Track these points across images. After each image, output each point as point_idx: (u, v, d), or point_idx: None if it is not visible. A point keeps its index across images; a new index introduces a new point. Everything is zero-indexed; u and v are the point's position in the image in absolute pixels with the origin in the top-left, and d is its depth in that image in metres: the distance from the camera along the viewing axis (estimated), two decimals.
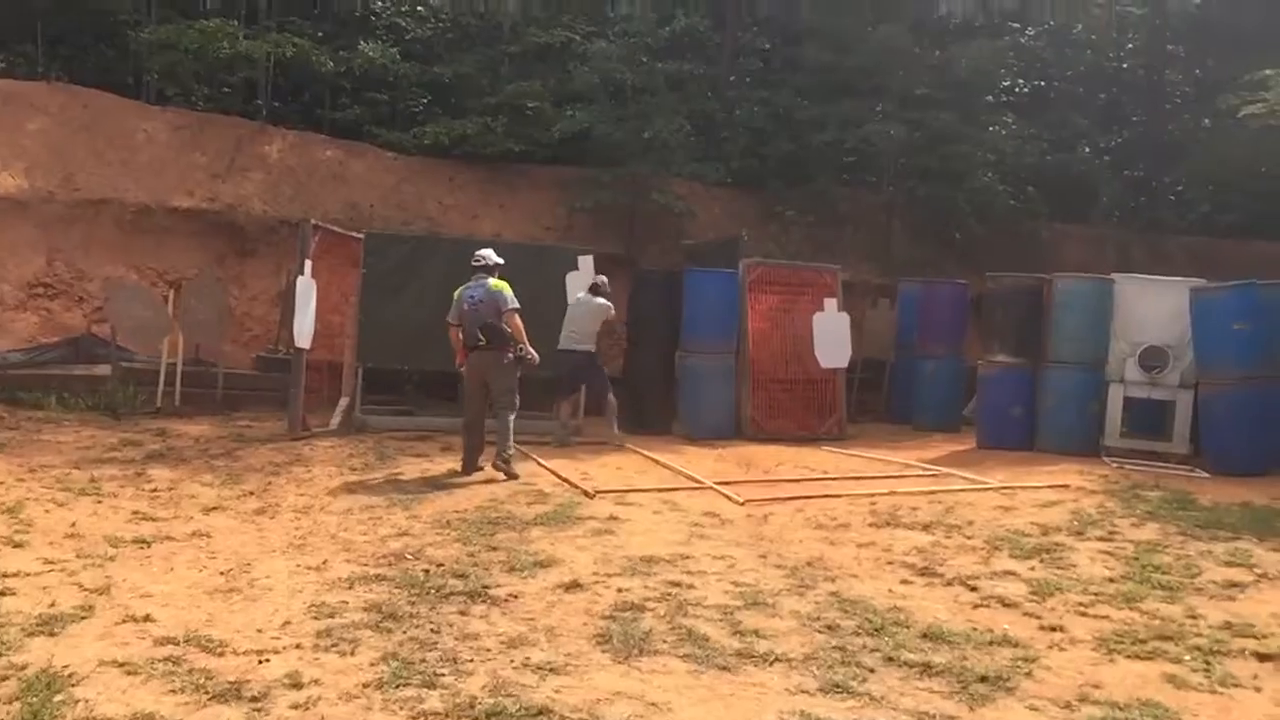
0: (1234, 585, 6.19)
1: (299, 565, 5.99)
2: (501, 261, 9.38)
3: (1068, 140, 19.64)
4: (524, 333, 8.94)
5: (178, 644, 4.62)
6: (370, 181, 14.81)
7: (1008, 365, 11.53)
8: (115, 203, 13.31)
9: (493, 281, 8.99)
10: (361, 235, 11.57)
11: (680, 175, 15.88)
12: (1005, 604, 5.78)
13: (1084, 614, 5.65)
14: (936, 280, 13.64)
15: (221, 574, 5.83)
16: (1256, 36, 18.58)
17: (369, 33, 16.53)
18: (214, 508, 7.41)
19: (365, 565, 6.03)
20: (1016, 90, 19.96)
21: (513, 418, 8.97)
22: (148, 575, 5.76)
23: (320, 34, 16.26)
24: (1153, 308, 10.96)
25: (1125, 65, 21.55)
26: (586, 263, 11.78)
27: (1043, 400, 11.29)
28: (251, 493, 7.90)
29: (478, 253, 9.32)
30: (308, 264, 10.27)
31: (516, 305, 8.94)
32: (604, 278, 11.29)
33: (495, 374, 8.93)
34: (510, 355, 8.88)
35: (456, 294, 9.14)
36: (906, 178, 16.74)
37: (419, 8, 16.92)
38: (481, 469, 8.92)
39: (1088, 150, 20.41)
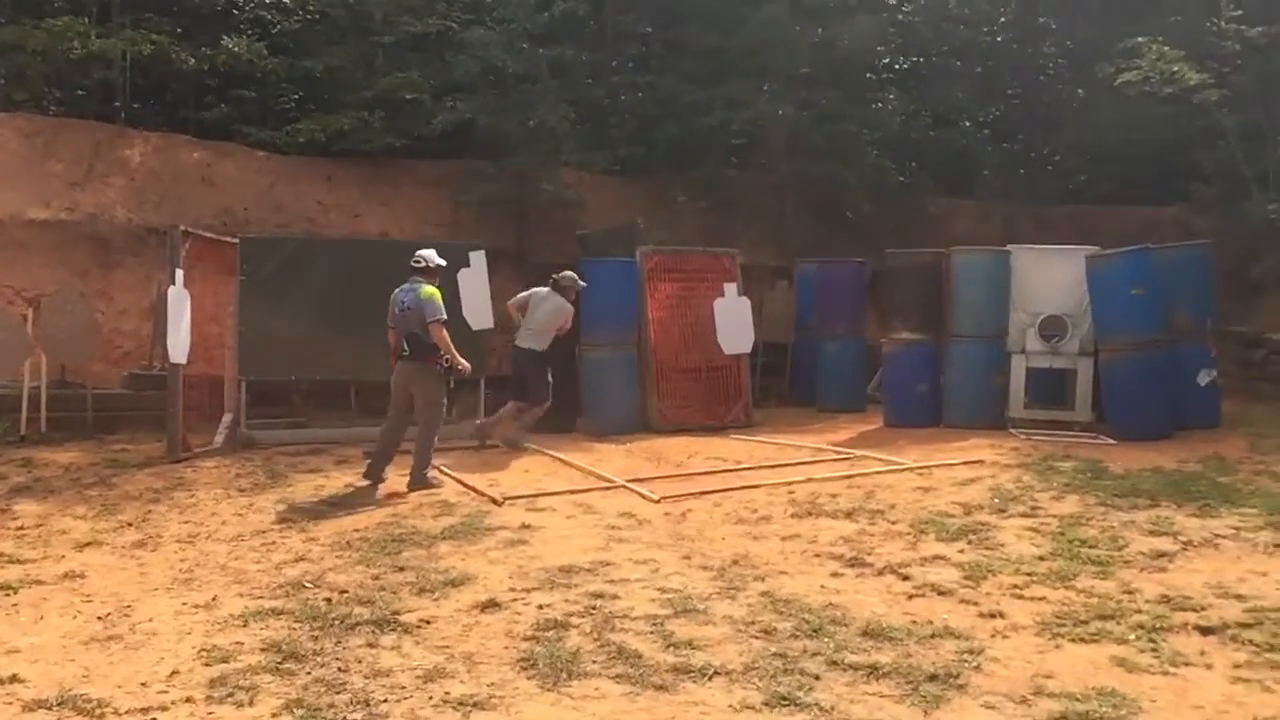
0: (1162, 555, 6.15)
1: (186, 603, 5.48)
2: (443, 264, 8.95)
3: (948, 115, 19.76)
4: (449, 343, 8.49)
5: (50, 708, 4.13)
6: (242, 183, 14.03)
7: (910, 342, 11.47)
8: None
9: (424, 288, 8.52)
10: (236, 240, 10.88)
11: (568, 164, 15.44)
12: (940, 591, 5.62)
13: (1020, 596, 5.51)
14: (833, 260, 13.52)
15: (99, 619, 5.29)
16: (1124, 5, 19.02)
17: (232, 27, 15.65)
18: (88, 543, 6.80)
19: (260, 598, 5.55)
20: (897, 67, 20.03)
21: (435, 435, 8.60)
22: (14, 627, 5.19)
23: (179, 30, 15.29)
24: (1049, 277, 11.01)
25: (999, 39, 21.80)
26: (479, 258, 11.34)
27: (947, 375, 11.27)
28: (130, 524, 7.28)
29: (417, 253, 8.85)
30: (179, 273, 9.59)
31: (441, 316, 8.45)
32: (571, 274, 10.69)
33: (419, 385, 8.53)
34: (437, 366, 8.47)
35: (393, 295, 8.74)
36: (796, 158, 16.58)
37: (284, 0, 16.11)
38: (384, 480, 8.45)
39: (968, 124, 20.59)
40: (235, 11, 16.10)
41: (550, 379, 10.49)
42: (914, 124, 18.19)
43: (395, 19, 15.59)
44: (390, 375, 8.81)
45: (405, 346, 8.48)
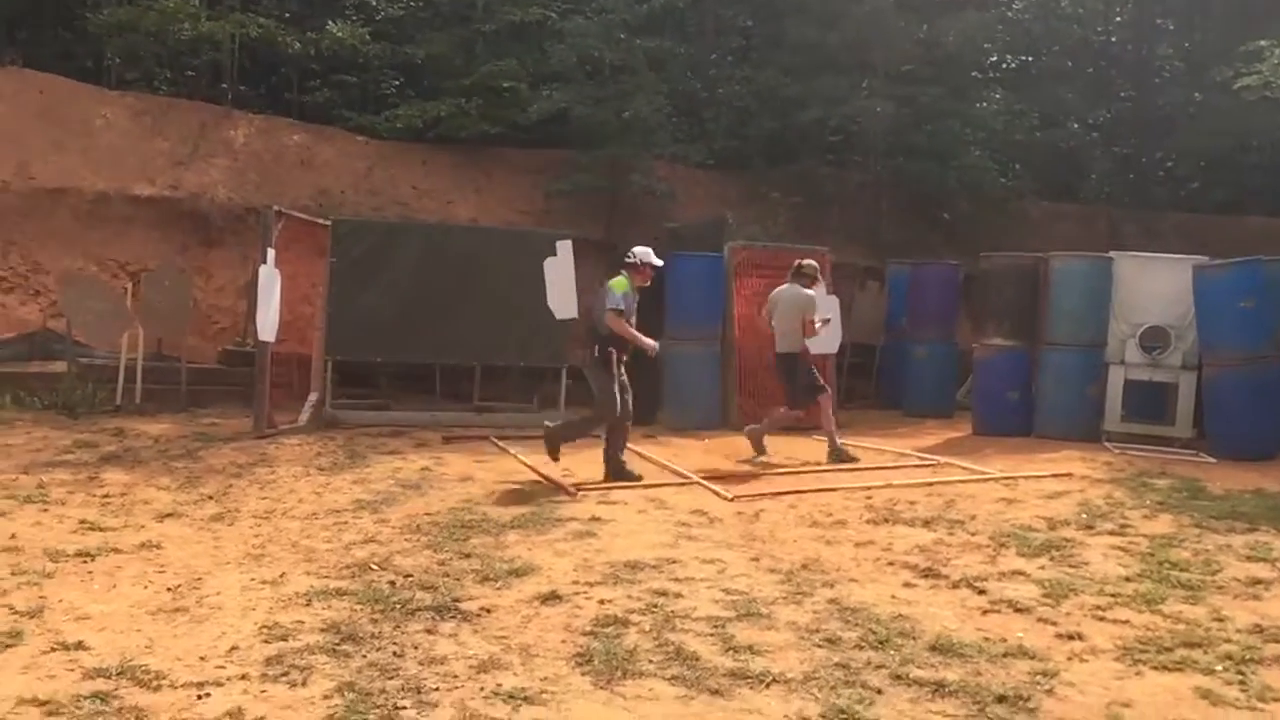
0: (1258, 582, 5.82)
1: (254, 579, 5.53)
2: (657, 263, 8.63)
3: (1056, 116, 19.20)
4: (626, 328, 8.22)
5: (109, 676, 4.15)
6: (340, 167, 14.28)
7: (1003, 348, 11.14)
8: (73, 192, 12.75)
9: (615, 278, 8.40)
10: (329, 222, 11.04)
11: (661, 156, 15.39)
12: (1017, 608, 5.38)
13: (1102, 618, 5.25)
14: (926, 261, 13.22)
15: (169, 590, 5.36)
16: (1248, 7, 18.24)
17: (338, 12, 15.95)
18: (168, 514, 6.92)
19: (326, 578, 5.57)
20: (1004, 65, 19.55)
21: (592, 426, 8.47)
22: (87, 594, 5.28)
23: (287, 14, 15.67)
24: (1153, 286, 10.58)
25: (1113, 39, 21.16)
26: (565, 248, 11.29)
27: (1041, 384, 10.91)
28: (210, 497, 7.41)
29: (633, 249, 8.68)
30: (271, 253, 9.76)
31: (617, 305, 8.17)
32: (812, 261, 9.79)
33: (591, 375, 8.47)
34: (606, 355, 8.23)
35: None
36: (894, 156, 16.28)
37: None
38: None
39: (1076, 126, 20.01)
40: None
41: (815, 381, 9.58)
42: (1019, 124, 17.73)
43: (496, 7, 15.71)
44: None
45: (587, 339, 8.53)
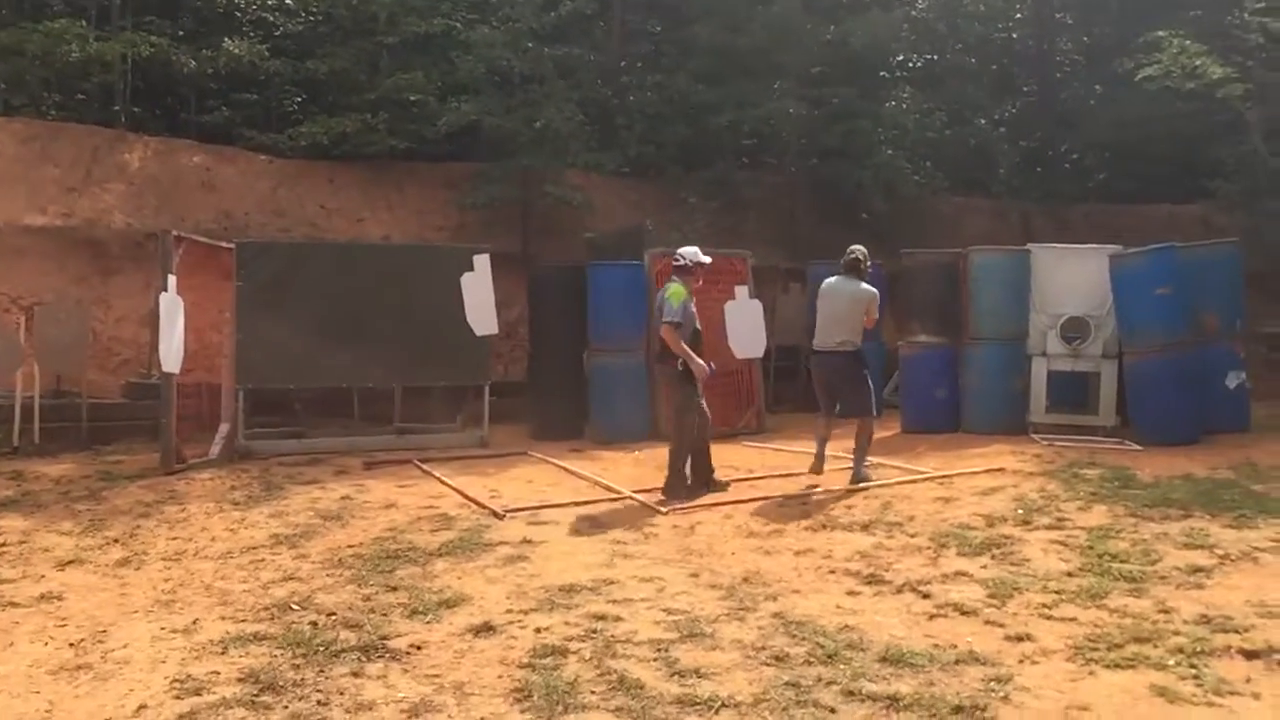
0: (1198, 570, 5.80)
1: (164, 628, 5.17)
2: (706, 261, 8.33)
3: (963, 113, 19.42)
4: (678, 344, 7.89)
5: None
6: (243, 188, 13.79)
7: (928, 345, 11.15)
8: None
9: (670, 287, 8.07)
10: (233, 245, 10.61)
11: (575, 166, 15.15)
12: (963, 611, 5.27)
13: (1049, 617, 5.16)
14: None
15: (71, 646, 4.98)
16: (1142, 1, 18.63)
17: (234, 29, 15.45)
18: (70, 561, 6.49)
19: (243, 622, 5.24)
20: (911, 65, 19.71)
21: (687, 446, 8.10)
22: None
23: (180, 32, 15.10)
24: (1071, 277, 10.67)
25: (1015, 35, 21.48)
26: (483, 262, 11.02)
27: (966, 379, 10.91)
28: (116, 540, 6.98)
29: (678, 251, 8.41)
30: (171, 279, 9.30)
31: (674, 318, 7.86)
32: (861, 249, 8.50)
33: (669, 389, 8.33)
34: (676, 368, 8.02)
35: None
36: (808, 157, 16.29)
37: (287, 1, 15.86)
38: (723, 486, 8.24)
39: (983, 122, 20.25)
40: (237, 14, 15.93)
41: (870, 383, 8.57)
42: (929, 122, 17.86)
43: (399, 19, 15.34)
44: None
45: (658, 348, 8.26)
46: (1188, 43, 13.53)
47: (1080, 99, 19.35)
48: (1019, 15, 21.53)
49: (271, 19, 15.83)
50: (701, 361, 8.02)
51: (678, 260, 8.25)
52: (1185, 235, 12.91)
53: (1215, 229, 14.95)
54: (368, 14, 15.50)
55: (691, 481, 8.16)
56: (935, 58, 20.05)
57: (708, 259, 8.38)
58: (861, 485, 8.10)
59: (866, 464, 8.41)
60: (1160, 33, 14.00)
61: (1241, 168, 14.94)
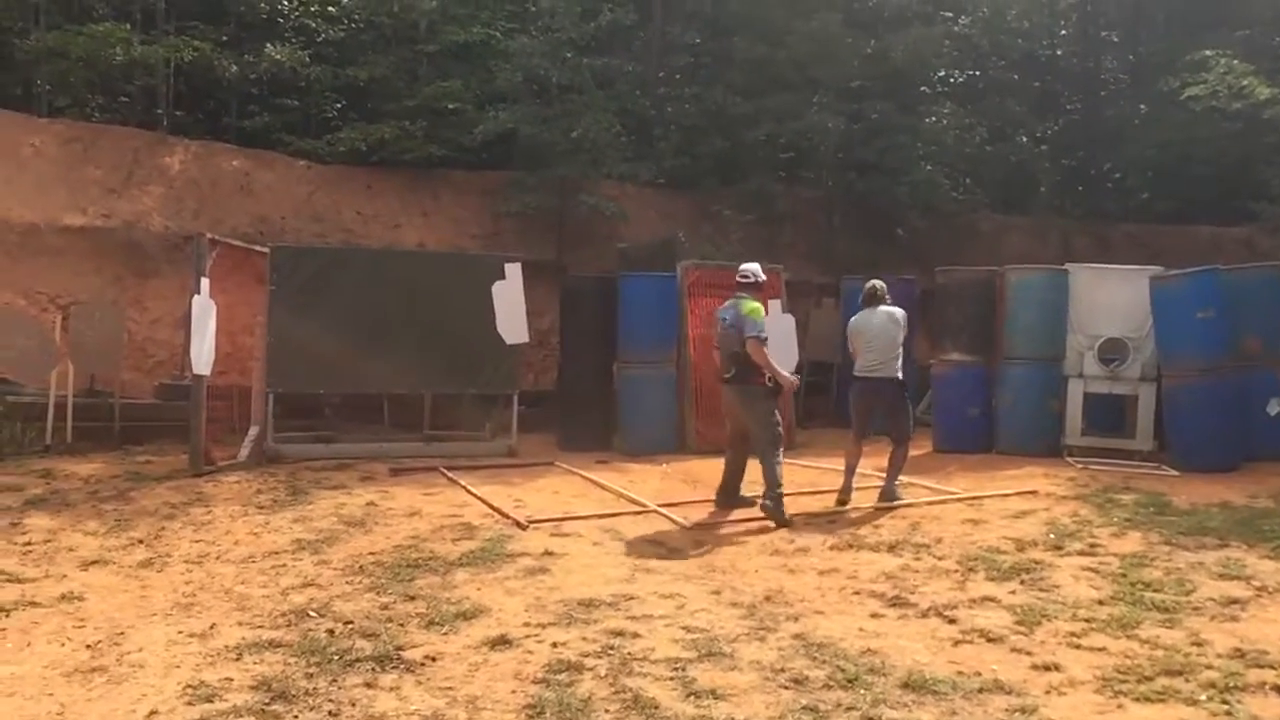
0: (1234, 602, 5.63)
1: (181, 632, 5.16)
2: (763, 278, 8.15)
3: (1005, 129, 19.23)
4: (769, 360, 7.71)
5: None
6: (281, 192, 13.88)
7: (962, 363, 11.00)
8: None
9: (747, 303, 7.77)
10: (267, 250, 10.66)
11: (611, 176, 15.14)
12: (989, 638, 5.14)
13: (1078, 646, 5.03)
14: (882, 276, 13.01)
15: (87, 647, 4.98)
16: (1190, 18, 18.39)
17: (276, 35, 15.58)
18: (93, 562, 6.51)
19: (260, 628, 5.23)
20: (952, 80, 19.54)
21: (778, 455, 7.75)
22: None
23: (224, 38, 15.27)
24: (1110, 298, 10.49)
25: (1059, 52, 21.27)
26: (514, 271, 11.01)
27: (1000, 399, 10.76)
28: (140, 541, 7.00)
29: (742, 267, 8.09)
30: (204, 283, 9.36)
31: (761, 334, 7.66)
32: (879, 282, 8.63)
33: (747, 409, 7.83)
34: (762, 385, 7.71)
35: (716, 311, 8.15)
36: (845, 172, 16.18)
37: (329, 8, 15.95)
38: (749, 503, 7.88)
39: (1025, 139, 20.04)
40: (280, 20, 16.02)
41: (910, 409, 8.68)
42: (969, 138, 17.69)
43: (439, 28, 15.45)
44: None
45: (729, 367, 7.83)
46: (1235, 62, 13.32)
47: (1124, 118, 19.07)
48: (1064, 33, 21.34)
49: (314, 25, 15.94)
50: (789, 375, 7.98)
51: (746, 277, 7.97)
52: (1229, 258, 12.70)
53: (1260, 252, 14.71)
54: (409, 22, 15.62)
55: (720, 495, 8.05)
56: (977, 73, 19.87)
57: (763, 277, 8.18)
58: (891, 504, 8.00)
59: (897, 483, 8.28)
60: (1207, 52, 13.79)
61: None
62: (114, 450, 10.23)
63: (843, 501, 8.18)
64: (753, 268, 8.07)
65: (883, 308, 8.33)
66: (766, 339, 7.70)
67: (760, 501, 7.66)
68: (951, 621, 5.39)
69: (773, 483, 7.60)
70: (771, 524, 7.47)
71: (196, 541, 7.02)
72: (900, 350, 8.30)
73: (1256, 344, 9.91)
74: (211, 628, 5.22)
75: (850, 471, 8.32)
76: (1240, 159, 16.08)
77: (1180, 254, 14.02)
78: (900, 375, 8.30)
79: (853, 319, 8.61)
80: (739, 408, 7.90)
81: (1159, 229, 17.63)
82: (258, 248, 10.90)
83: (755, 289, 7.99)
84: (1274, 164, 14.80)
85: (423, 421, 11.48)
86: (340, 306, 10.44)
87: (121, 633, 5.16)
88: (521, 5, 16.41)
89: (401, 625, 5.26)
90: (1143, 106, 18.70)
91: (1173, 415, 9.88)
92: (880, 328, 8.22)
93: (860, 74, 16.09)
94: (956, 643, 5.11)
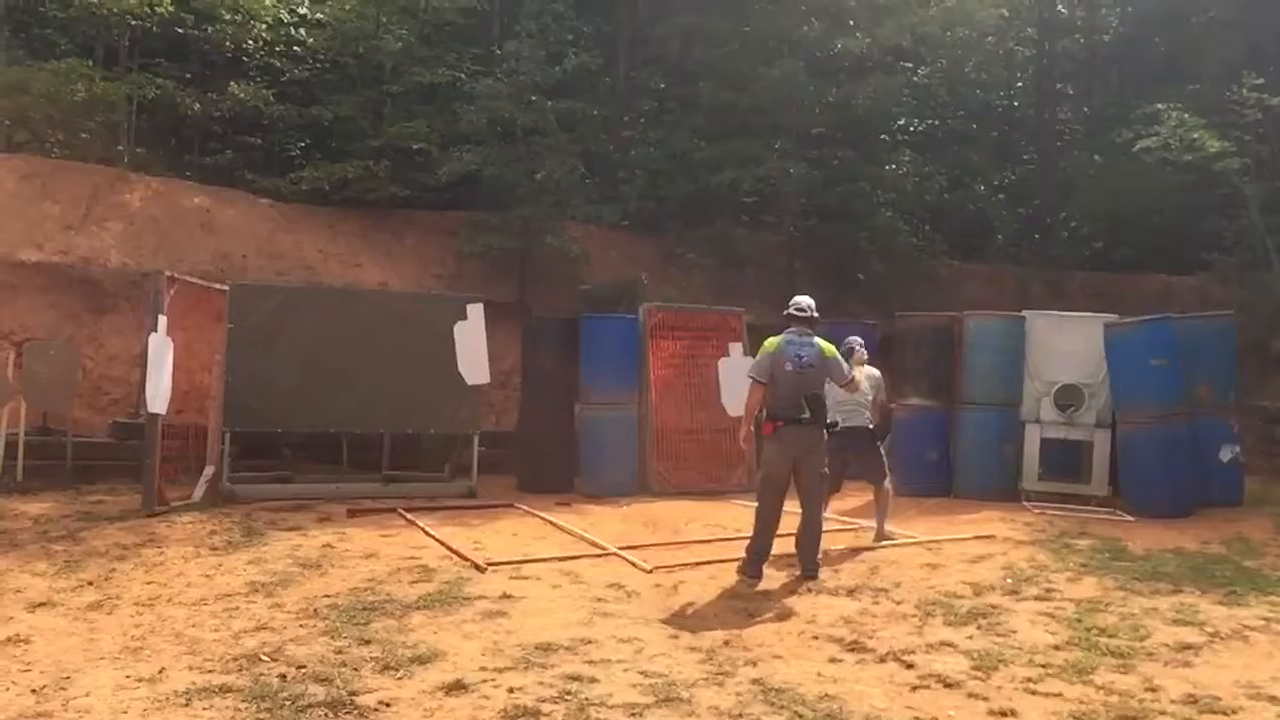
0: (1187, 648, 5.69)
1: (129, 676, 5.05)
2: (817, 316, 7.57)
3: (963, 178, 19.56)
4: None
5: None
6: (242, 230, 13.80)
7: (921, 407, 11.09)
8: None
9: (823, 342, 7.36)
10: (226, 288, 10.59)
11: (575, 218, 15.20)
12: (946, 684, 5.16)
13: (1034, 691, 5.06)
14: (843, 321, 13.12)
15: (33, 692, 4.87)
16: (1141, 72, 18.87)
17: (241, 74, 15.58)
18: (41, 604, 6.37)
19: (210, 672, 5.13)
20: (912, 129, 19.84)
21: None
22: None
23: (188, 75, 15.24)
24: (1066, 345, 10.66)
25: (1016, 103, 21.70)
26: (476, 311, 11.01)
27: (958, 444, 10.85)
28: (90, 583, 6.86)
29: (799, 300, 7.47)
30: (161, 320, 9.28)
31: (853, 376, 7.64)
32: (859, 341, 8.85)
33: (815, 457, 7.24)
34: (826, 431, 7.29)
35: (772, 346, 7.30)
36: (807, 217, 16.35)
37: (295, 47, 16.00)
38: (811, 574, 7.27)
39: (982, 188, 20.37)
40: (245, 59, 16.01)
41: (881, 453, 8.75)
42: (928, 186, 17.96)
43: (404, 69, 15.50)
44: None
45: (805, 408, 7.13)
46: (1186, 115, 13.63)
47: (1079, 168, 19.46)
48: (1020, 84, 21.78)
49: (279, 64, 15.96)
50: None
51: (803, 311, 7.41)
52: (1181, 306, 12.92)
53: (1212, 301, 14.96)
54: (374, 63, 15.69)
55: (754, 563, 7.29)
56: (936, 123, 20.19)
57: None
58: (885, 543, 8.26)
59: (856, 527, 8.35)
60: (1159, 105, 14.11)
61: (1239, 241, 15.01)
62: (66, 489, 10.04)
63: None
64: (808, 301, 7.51)
65: (865, 369, 8.59)
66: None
67: (804, 572, 7.23)
68: (909, 666, 5.40)
69: (817, 547, 7.33)
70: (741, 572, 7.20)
71: (148, 583, 6.90)
72: (871, 404, 8.57)
73: (1208, 392, 10.09)
74: (160, 672, 5.12)
75: (887, 510, 8.57)
76: (1192, 210, 16.42)
77: (1134, 302, 14.26)
78: (870, 424, 8.54)
79: None
80: (807, 452, 7.22)
81: (1113, 277, 17.92)
82: (217, 285, 10.83)
83: (811, 324, 7.43)
84: (1226, 215, 15.11)
85: (382, 462, 11.38)
86: (300, 345, 10.38)
87: (68, 677, 5.05)
88: (487, 48, 16.51)
89: (355, 670, 5.18)
90: (1097, 157, 19.08)
91: (1127, 461, 10.02)
92: (869, 382, 8.56)
93: (822, 121, 16.31)
94: (914, 688, 5.11)
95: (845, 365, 7.64)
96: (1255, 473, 11.00)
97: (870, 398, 8.61)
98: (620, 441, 11.18)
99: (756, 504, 7.39)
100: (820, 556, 7.38)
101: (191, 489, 9.89)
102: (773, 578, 7.23)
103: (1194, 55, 17.87)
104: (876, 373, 8.88)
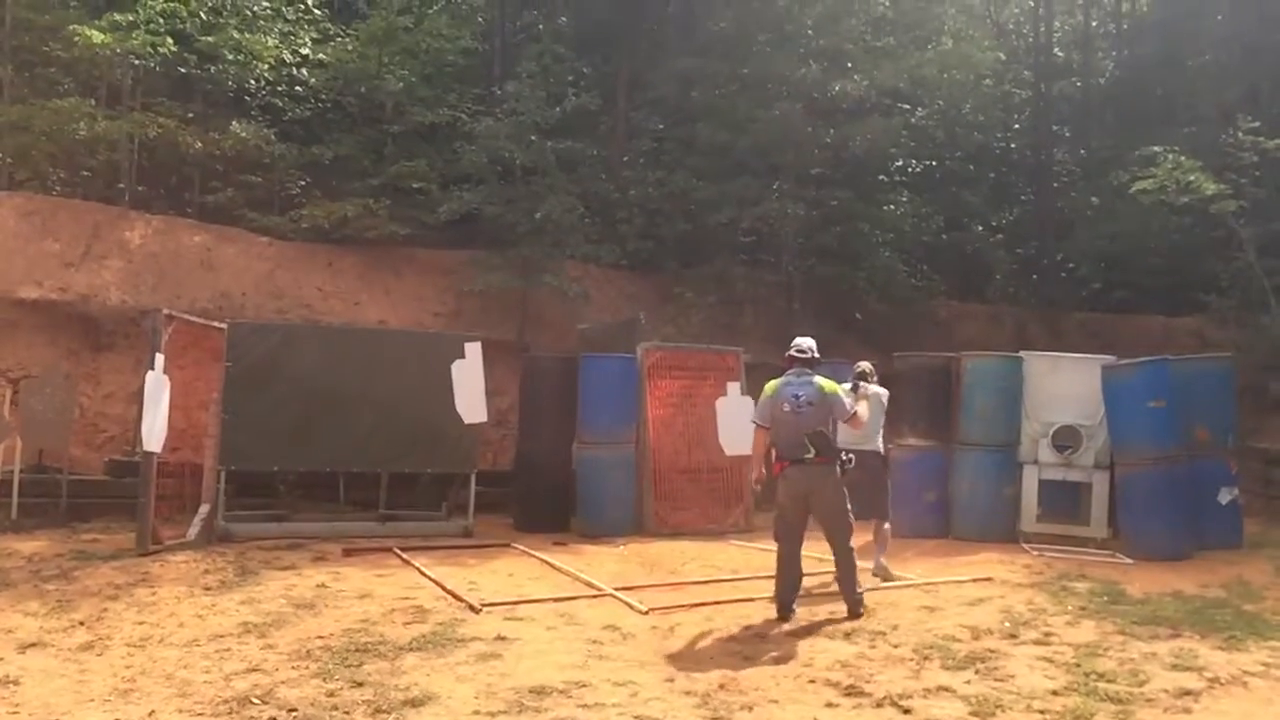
0: (1187, 694, 5.65)
1: (119, 719, 5.01)
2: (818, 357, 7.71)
3: (961, 219, 19.64)
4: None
5: None
6: (242, 268, 13.83)
7: (918, 448, 11.05)
8: None
9: (822, 380, 7.40)
10: (224, 325, 10.59)
11: (574, 257, 15.24)
12: None
13: None
14: (840, 361, 13.11)
15: None
16: (1136, 115, 19.00)
17: (243, 113, 15.67)
18: (31, 644, 6.33)
19: (200, 715, 5.10)
20: (910, 170, 19.94)
21: (853, 550, 7.44)
22: None
23: (190, 114, 15.33)
24: (1063, 386, 10.67)
25: (1013, 145, 21.83)
26: (474, 350, 11.01)
27: (956, 485, 10.82)
28: (81, 623, 6.82)
29: (799, 342, 7.62)
30: (159, 358, 9.28)
31: (856, 411, 7.57)
32: (869, 364, 8.97)
33: (826, 494, 7.29)
34: (840, 468, 7.33)
35: (771, 390, 7.47)
36: (806, 257, 16.40)
37: (297, 87, 16.11)
38: (795, 614, 7.30)
39: (980, 228, 20.44)
40: (247, 98, 16.10)
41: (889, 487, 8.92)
42: (926, 227, 18.04)
43: (405, 108, 15.59)
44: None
45: (808, 447, 7.18)
46: (1182, 158, 13.72)
47: (1076, 209, 19.55)
48: (1017, 126, 21.93)
49: (280, 104, 16.05)
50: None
51: (804, 352, 7.54)
52: (1179, 347, 12.93)
53: (1209, 342, 15.00)
54: (375, 103, 15.78)
55: (785, 603, 7.38)
56: (934, 164, 20.28)
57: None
58: (882, 585, 8.26)
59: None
60: (1155, 148, 14.20)
61: (1235, 282, 15.05)
62: (60, 527, 10.02)
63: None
64: (809, 342, 7.67)
65: (872, 387, 8.64)
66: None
67: (851, 608, 7.30)
68: (906, 712, 5.35)
69: (854, 582, 7.37)
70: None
71: (139, 624, 6.85)
72: (881, 427, 8.67)
73: (1206, 434, 10.08)
74: (150, 715, 5.08)
75: (885, 544, 8.66)
76: (1189, 251, 16.51)
77: (1131, 343, 14.26)
78: (881, 449, 8.65)
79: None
80: (816, 492, 7.28)
81: (1111, 318, 17.96)
82: (215, 324, 10.83)
83: (815, 364, 7.62)
84: (1222, 257, 15.16)
85: (379, 500, 11.34)
86: (297, 383, 10.38)
87: None
88: (487, 88, 16.63)
89: (347, 713, 5.14)
90: (1094, 199, 19.17)
91: (1126, 503, 9.98)
92: (876, 405, 8.57)
93: (820, 162, 16.41)
94: None
95: (847, 401, 7.59)
96: (1253, 515, 10.98)
97: (880, 423, 8.76)
98: (617, 481, 11.15)
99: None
100: (860, 593, 7.41)
101: (186, 527, 9.84)
102: (769, 620, 7.18)
103: (1190, 98, 18.04)
104: (884, 392, 8.94)
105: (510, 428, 12.92)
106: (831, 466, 7.31)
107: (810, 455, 7.20)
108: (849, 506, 7.44)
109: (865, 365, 8.86)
